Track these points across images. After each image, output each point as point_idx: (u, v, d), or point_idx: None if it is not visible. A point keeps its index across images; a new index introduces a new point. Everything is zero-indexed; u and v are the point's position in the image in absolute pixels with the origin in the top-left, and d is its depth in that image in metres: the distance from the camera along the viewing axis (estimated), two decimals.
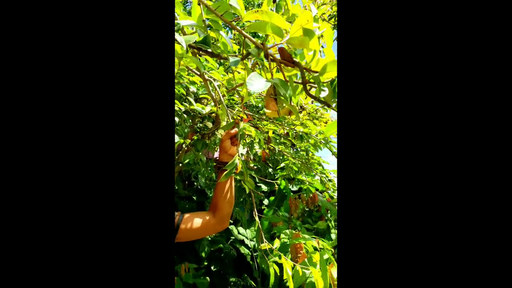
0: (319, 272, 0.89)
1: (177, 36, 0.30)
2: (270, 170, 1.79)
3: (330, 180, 1.38)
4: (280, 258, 0.88)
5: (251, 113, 1.21)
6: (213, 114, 0.94)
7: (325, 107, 1.45)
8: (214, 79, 0.85)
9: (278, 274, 0.85)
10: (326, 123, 1.62)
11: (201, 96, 1.12)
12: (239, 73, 0.92)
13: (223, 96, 0.89)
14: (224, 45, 0.43)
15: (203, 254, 2.15)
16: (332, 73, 0.36)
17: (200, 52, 0.40)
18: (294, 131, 1.21)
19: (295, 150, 1.56)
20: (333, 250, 1.28)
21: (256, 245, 2.03)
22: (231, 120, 0.63)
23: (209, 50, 0.39)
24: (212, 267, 2.22)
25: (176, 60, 0.40)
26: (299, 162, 1.37)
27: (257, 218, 0.64)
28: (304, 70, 0.37)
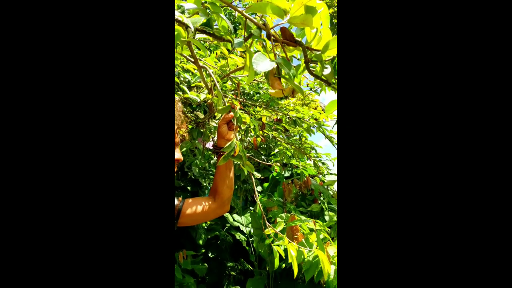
0: (318, 250, 0.93)
1: (184, 18, 0.30)
2: (263, 157, 1.82)
3: (323, 163, 1.42)
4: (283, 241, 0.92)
5: (244, 99, 1.21)
6: (209, 101, 0.94)
7: (315, 91, 1.47)
8: (209, 67, 0.85)
9: (284, 257, 0.88)
10: (316, 108, 1.65)
11: (193, 84, 1.11)
12: (232, 58, 0.91)
13: (217, 82, 0.89)
14: (224, 27, 0.44)
15: (200, 242, 2.18)
16: (333, 51, 0.37)
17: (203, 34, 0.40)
18: (287, 117, 1.23)
19: (286, 136, 1.59)
20: (329, 230, 1.33)
21: (252, 231, 2.08)
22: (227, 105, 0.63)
23: (212, 32, 0.39)
24: (209, 254, 2.27)
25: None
26: (292, 148, 1.40)
27: (258, 200, 0.66)
28: (306, 49, 0.38)
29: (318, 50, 0.38)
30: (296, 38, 0.39)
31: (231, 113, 0.61)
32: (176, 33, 0.32)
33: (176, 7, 0.34)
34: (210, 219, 0.71)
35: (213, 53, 1.15)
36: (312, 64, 0.41)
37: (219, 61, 1.05)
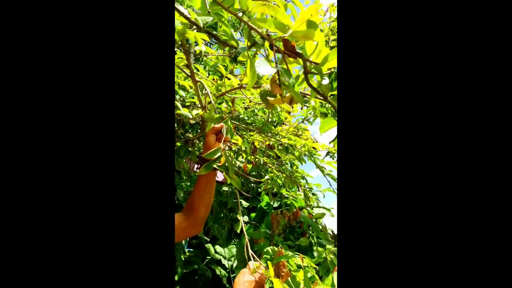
0: None
1: (194, 15, 0.30)
2: (253, 185, 1.77)
3: (314, 194, 1.39)
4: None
5: (237, 123, 1.22)
6: (200, 115, 0.93)
7: (308, 120, 1.50)
8: (206, 84, 0.86)
9: None
10: (307, 139, 1.67)
11: (188, 103, 1.11)
12: (229, 79, 0.93)
13: (213, 100, 0.89)
14: (226, 33, 0.45)
15: (176, 277, 1.99)
16: (332, 63, 0.38)
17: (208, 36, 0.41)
18: (280, 143, 1.23)
19: (278, 163, 1.57)
20: (317, 267, 1.25)
21: (235, 265, 1.93)
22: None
23: (217, 34, 0.40)
24: None
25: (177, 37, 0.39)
26: (283, 175, 1.38)
27: (240, 218, 0.61)
28: (306, 61, 0.39)
29: (317, 63, 0.39)
30: (297, 50, 0.40)
31: (221, 124, 0.58)
32: (177, 28, 0.32)
33: (185, 6, 0.34)
34: (180, 239, 0.62)
35: (211, 75, 1.18)
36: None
37: (216, 82, 1.07)
